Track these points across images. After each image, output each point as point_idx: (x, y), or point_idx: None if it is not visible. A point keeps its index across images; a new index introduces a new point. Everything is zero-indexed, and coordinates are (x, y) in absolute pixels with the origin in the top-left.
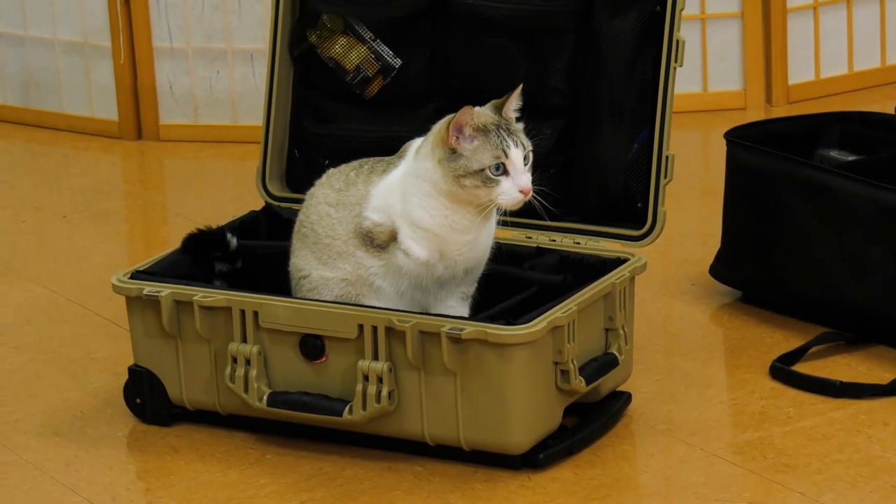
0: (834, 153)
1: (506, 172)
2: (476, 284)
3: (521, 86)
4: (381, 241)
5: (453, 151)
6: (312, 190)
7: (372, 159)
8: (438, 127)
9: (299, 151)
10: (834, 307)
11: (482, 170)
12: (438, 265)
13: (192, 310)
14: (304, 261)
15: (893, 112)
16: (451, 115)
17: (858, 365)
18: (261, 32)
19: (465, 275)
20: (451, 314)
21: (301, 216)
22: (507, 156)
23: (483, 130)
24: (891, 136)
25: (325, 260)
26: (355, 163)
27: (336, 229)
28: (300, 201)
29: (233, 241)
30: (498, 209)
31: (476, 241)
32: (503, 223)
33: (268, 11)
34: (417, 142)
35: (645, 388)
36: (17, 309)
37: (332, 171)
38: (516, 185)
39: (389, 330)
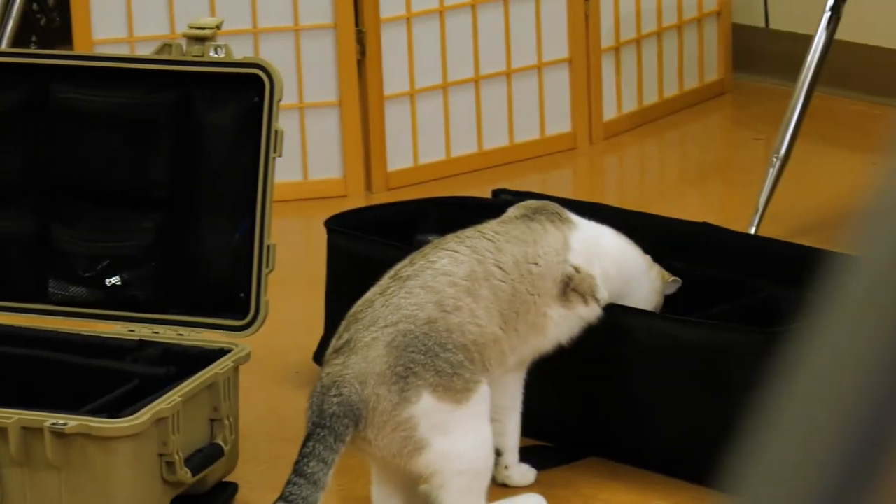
0: (433, 238)
1: None
2: None
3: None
4: (579, 289)
5: None
6: (496, 255)
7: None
8: None
9: None
10: None
11: None
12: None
13: None
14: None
15: (491, 196)
16: None
17: None
18: None
19: None
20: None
21: (494, 272)
22: None
23: None
24: (489, 219)
25: (503, 318)
26: (516, 220)
27: (537, 284)
28: None
29: None
30: None
31: None
32: (104, 317)
33: None
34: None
35: (252, 478)
36: None
37: (490, 233)
38: None
39: None
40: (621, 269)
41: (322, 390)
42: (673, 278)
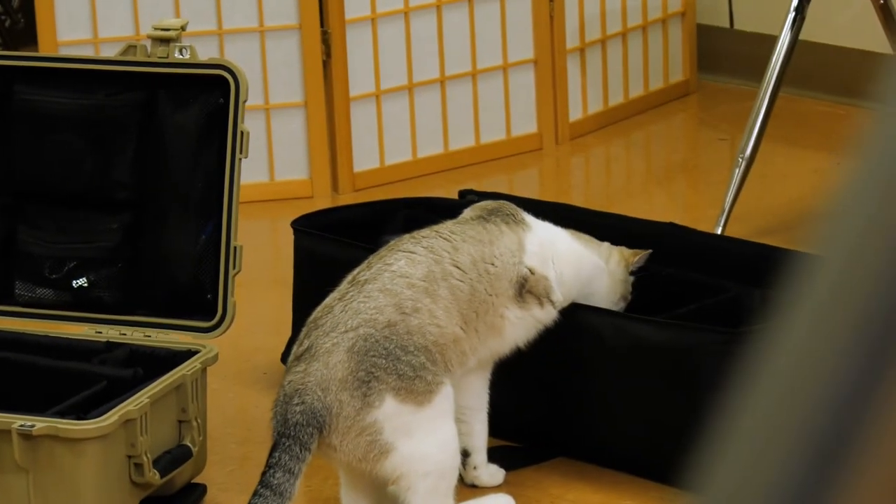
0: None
1: None
2: None
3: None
4: (534, 290)
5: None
6: (453, 254)
7: (472, 221)
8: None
9: None
10: None
11: None
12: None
13: None
14: (439, 315)
15: (458, 197)
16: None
17: None
18: None
19: None
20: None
21: (452, 271)
22: None
23: None
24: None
25: (463, 318)
26: (472, 221)
27: (495, 285)
28: None
29: None
30: None
31: None
32: (71, 319)
33: None
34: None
35: (220, 479)
36: None
37: (447, 233)
38: None
39: None
40: (577, 272)
41: (285, 399)
42: (639, 255)
